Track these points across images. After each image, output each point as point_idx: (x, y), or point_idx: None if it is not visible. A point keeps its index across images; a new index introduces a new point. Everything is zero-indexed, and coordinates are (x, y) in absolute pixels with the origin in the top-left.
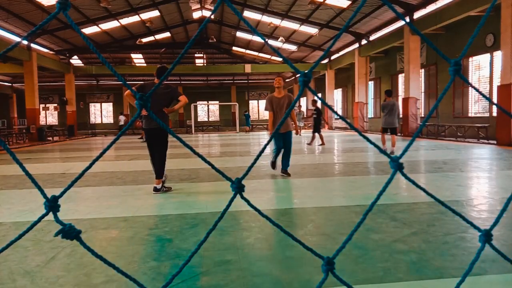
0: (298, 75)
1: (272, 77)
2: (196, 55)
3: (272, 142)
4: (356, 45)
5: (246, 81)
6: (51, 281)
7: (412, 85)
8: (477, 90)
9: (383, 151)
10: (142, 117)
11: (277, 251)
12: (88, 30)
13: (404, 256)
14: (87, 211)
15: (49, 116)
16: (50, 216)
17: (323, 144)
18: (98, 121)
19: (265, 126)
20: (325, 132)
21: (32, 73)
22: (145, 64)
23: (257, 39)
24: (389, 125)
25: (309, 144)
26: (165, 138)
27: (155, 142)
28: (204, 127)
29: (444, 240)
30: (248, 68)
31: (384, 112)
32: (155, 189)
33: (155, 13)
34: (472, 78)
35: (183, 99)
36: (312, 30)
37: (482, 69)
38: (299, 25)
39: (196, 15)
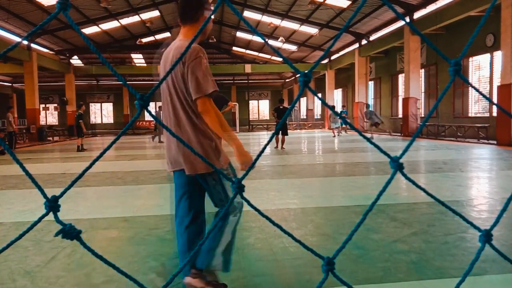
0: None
1: (272, 77)
2: None
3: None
4: (356, 45)
5: (246, 81)
6: (51, 281)
7: (412, 85)
8: (477, 90)
9: (383, 151)
10: None
11: (277, 251)
12: (88, 30)
13: (404, 256)
14: (87, 211)
15: (49, 116)
16: (50, 216)
17: (282, 148)
18: (98, 121)
19: (265, 126)
20: (325, 132)
21: (32, 73)
22: (145, 64)
23: (257, 39)
24: None
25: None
26: None
27: None
28: None
29: (444, 240)
30: (248, 68)
31: None
32: None
33: (155, 13)
34: (472, 78)
35: (230, 104)
36: (312, 30)
37: (482, 69)
38: (299, 25)
39: None
